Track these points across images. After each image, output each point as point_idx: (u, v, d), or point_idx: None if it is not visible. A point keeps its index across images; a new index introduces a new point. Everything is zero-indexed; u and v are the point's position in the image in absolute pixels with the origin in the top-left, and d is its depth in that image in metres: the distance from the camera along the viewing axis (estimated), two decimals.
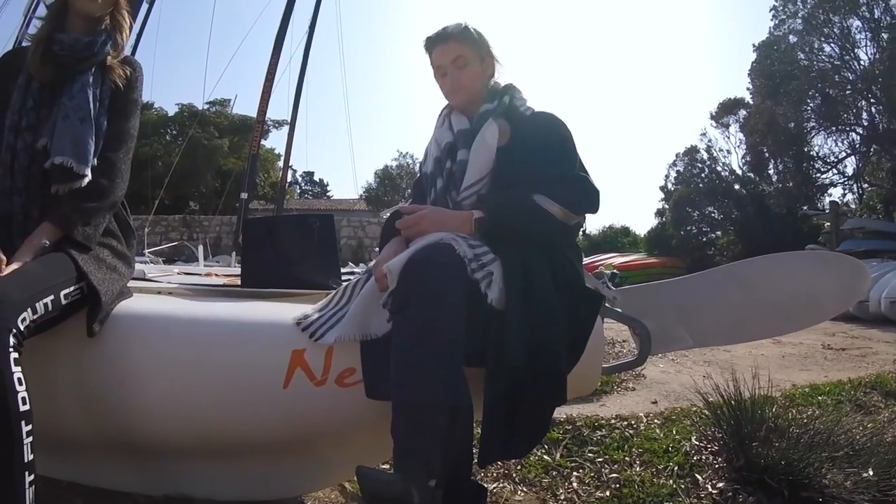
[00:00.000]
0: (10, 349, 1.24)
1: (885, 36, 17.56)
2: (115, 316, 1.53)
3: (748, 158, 22.93)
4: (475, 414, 1.39)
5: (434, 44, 1.73)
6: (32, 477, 1.24)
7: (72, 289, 1.44)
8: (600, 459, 2.34)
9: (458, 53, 1.70)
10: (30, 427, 1.24)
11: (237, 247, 9.60)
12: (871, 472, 1.98)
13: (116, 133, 1.63)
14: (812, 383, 3.75)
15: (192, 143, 19.99)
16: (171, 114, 26.91)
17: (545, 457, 2.33)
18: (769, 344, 5.59)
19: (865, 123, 19.36)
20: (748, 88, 22.28)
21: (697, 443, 2.45)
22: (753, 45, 21.47)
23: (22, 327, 1.28)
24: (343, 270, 1.89)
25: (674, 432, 2.59)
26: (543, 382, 1.40)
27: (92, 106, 1.57)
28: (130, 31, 1.77)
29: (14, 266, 1.39)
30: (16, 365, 1.24)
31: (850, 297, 2.32)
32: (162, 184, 13.36)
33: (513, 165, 1.61)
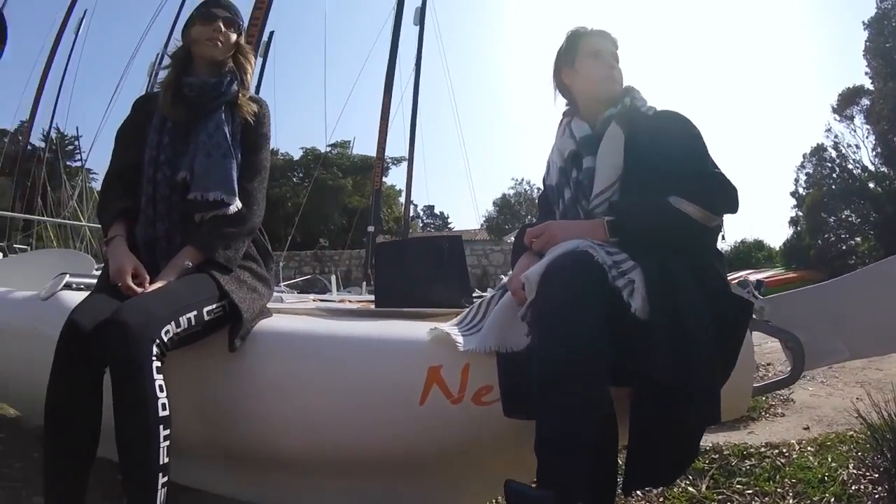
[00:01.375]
0: (154, 358, 1.35)
1: None
2: (255, 333, 1.62)
3: (879, 150, 20.67)
4: (620, 437, 1.29)
5: (590, 33, 1.73)
6: (166, 479, 1.32)
7: (214, 306, 1.55)
8: (749, 491, 2.15)
9: (614, 51, 1.71)
10: (168, 431, 1.33)
11: (367, 277, 10.04)
12: None
13: (250, 165, 1.77)
14: None
15: (318, 183, 21.61)
16: (296, 158, 29.01)
17: (689, 488, 2.17)
18: None
19: None
20: (866, 73, 20.21)
21: (856, 471, 2.20)
22: (863, 24, 19.53)
23: (165, 339, 1.39)
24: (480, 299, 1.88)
25: (829, 460, 2.34)
26: (694, 400, 1.28)
27: (229, 141, 1.72)
28: (253, 73, 1.92)
29: (159, 284, 1.53)
30: (158, 373, 1.35)
31: None
32: (293, 222, 14.30)
33: (643, 167, 1.53)
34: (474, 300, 1.91)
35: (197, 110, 1.73)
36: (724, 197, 1.51)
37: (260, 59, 15.23)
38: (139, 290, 1.51)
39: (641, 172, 1.53)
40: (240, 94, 1.78)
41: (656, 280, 1.33)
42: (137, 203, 1.69)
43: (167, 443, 1.33)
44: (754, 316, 1.70)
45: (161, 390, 1.34)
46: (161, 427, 1.32)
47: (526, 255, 1.61)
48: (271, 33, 16.73)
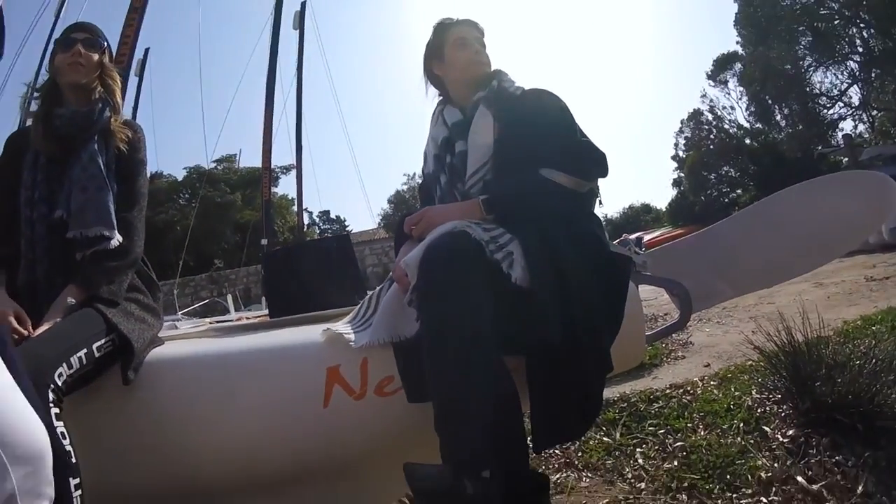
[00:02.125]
0: (51, 404, 1.26)
1: None
2: (148, 363, 1.55)
3: (752, 109, 22.57)
4: (523, 403, 1.34)
5: (454, 24, 1.77)
6: None
7: (103, 341, 1.47)
8: (662, 431, 2.27)
9: (479, 37, 1.76)
10: (77, 480, 1.25)
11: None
12: None
13: (128, 194, 1.70)
14: (863, 315, 3.64)
15: (205, 202, 20.60)
16: (180, 178, 27.60)
17: (605, 438, 2.27)
18: (812, 288, 5.47)
19: (861, 49, 18.98)
20: (737, 41, 22.03)
21: (759, 395, 2.38)
22: None
23: (59, 382, 1.31)
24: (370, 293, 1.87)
25: (732, 390, 2.52)
26: (586, 357, 1.34)
27: (104, 173, 1.64)
28: (124, 93, 1.83)
29: (45, 326, 1.44)
30: (57, 420, 1.26)
31: (880, 211, 2.21)
32: (183, 246, 13.66)
33: (513, 145, 1.58)
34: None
35: (69, 143, 1.65)
36: (592, 163, 1.59)
37: (135, 79, 14.50)
38: (24, 332, 1.42)
39: (512, 150, 1.58)
40: (112, 120, 1.70)
41: (535, 249, 1.38)
42: (17, 247, 1.60)
43: (79, 492, 1.25)
44: (638, 270, 1.79)
45: (64, 437, 1.26)
46: (71, 478, 1.24)
47: (407, 242, 1.63)
48: (146, 51, 15.88)
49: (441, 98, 1.83)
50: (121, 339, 1.51)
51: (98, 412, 1.52)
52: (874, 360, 2.08)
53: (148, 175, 1.81)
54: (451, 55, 1.74)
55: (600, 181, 1.67)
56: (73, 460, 1.26)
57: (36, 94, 1.75)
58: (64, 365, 1.34)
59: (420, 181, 1.95)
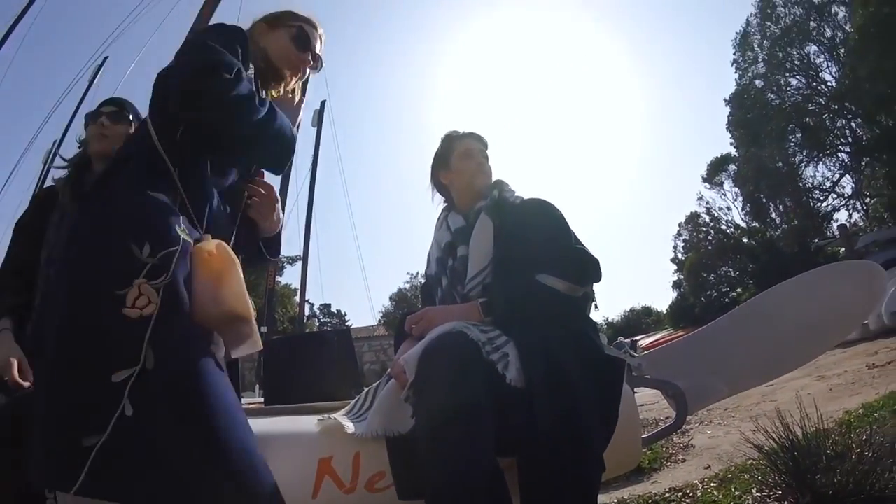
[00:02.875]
0: None
1: (842, 51, 18.14)
2: None
3: (748, 208, 23.12)
4: None
5: (461, 136, 1.92)
6: None
7: None
8: None
9: (483, 150, 1.90)
10: None
11: (260, 380, 9.53)
12: None
13: None
14: (865, 404, 3.60)
15: None
16: None
17: None
18: (814, 382, 5.39)
19: (850, 140, 19.72)
20: (731, 143, 22.96)
21: (759, 493, 2.34)
22: (725, 100, 22.29)
23: None
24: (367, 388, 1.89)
25: (733, 490, 2.47)
26: (580, 459, 1.34)
27: None
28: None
29: None
30: None
31: (870, 299, 2.28)
32: None
33: (511, 251, 1.67)
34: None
35: None
36: (586, 269, 1.67)
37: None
38: (23, 383, 1.45)
39: (511, 256, 1.67)
40: None
41: (530, 351, 1.42)
42: (32, 299, 1.65)
43: None
44: (633, 373, 1.81)
45: None
46: None
47: (407, 340, 1.68)
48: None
49: (446, 205, 1.95)
50: None
51: None
52: (875, 446, 2.06)
53: None
54: (457, 165, 1.88)
55: (596, 286, 1.73)
56: None
57: (64, 162, 1.88)
58: None
59: (422, 281, 2.02)
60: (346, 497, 1.43)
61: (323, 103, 15.17)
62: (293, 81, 1.58)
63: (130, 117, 1.90)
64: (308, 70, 1.60)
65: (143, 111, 1.88)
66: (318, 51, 1.60)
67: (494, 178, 1.89)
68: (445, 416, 1.26)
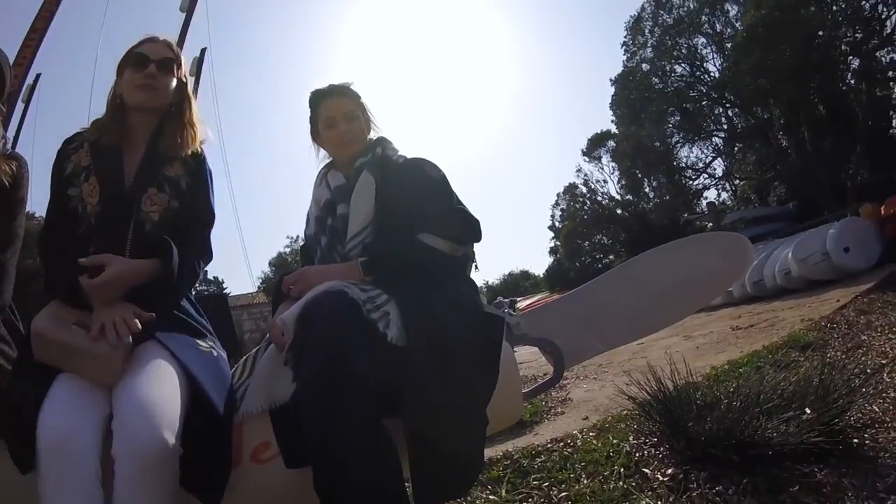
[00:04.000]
0: None
1: (729, 45, 19.53)
2: None
3: (623, 182, 24.55)
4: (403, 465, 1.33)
5: (323, 96, 1.81)
6: None
7: None
8: (546, 484, 2.31)
9: (348, 108, 1.79)
10: None
11: None
12: (808, 411, 2.09)
13: (2, 233, 1.53)
14: (730, 360, 3.95)
15: None
16: None
17: (491, 496, 2.28)
18: (681, 341, 5.88)
19: (725, 127, 21.37)
20: (612, 121, 24.16)
21: (636, 441, 2.49)
22: (611, 80, 23.39)
23: None
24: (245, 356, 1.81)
25: (611, 438, 2.62)
26: (464, 414, 1.38)
27: None
28: (6, 126, 1.70)
29: None
30: None
31: (738, 267, 2.46)
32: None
33: (393, 210, 1.66)
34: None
35: None
36: (467, 229, 1.69)
37: (21, 105, 13.41)
38: None
39: (393, 215, 1.65)
40: None
41: (411, 309, 1.44)
42: None
43: None
44: (512, 330, 1.87)
45: None
46: None
47: (285, 302, 1.63)
48: (37, 76, 14.92)
49: (329, 161, 1.88)
50: None
51: None
52: (741, 397, 2.25)
53: (25, 211, 1.63)
54: (323, 133, 1.82)
55: (477, 249, 1.77)
56: None
57: None
58: None
59: (302, 243, 1.96)
60: (233, 472, 1.38)
61: (203, 51, 14.23)
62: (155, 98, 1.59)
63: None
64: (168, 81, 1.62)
65: None
66: (165, 56, 1.60)
67: (377, 134, 1.85)
68: (326, 378, 1.25)
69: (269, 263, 31.55)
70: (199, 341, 1.52)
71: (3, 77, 1.59)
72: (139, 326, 1.36)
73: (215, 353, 1.52)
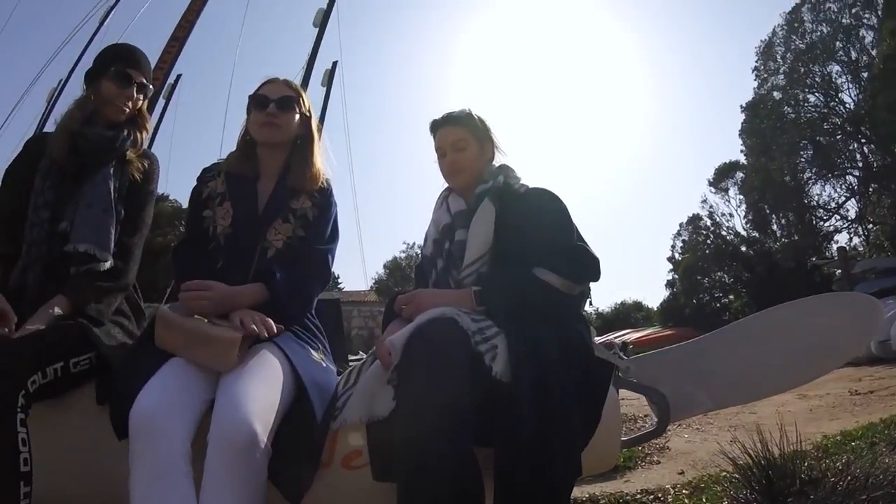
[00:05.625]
0: (19, 409, 1.27)
1: (865, 75, 18.03)
2: None
3: (750, 217, 23.15)
4: (487, 497, 1.32)
5: (437, 126, 1.83)
6: None
7: (81, 358, 1.48)
8: None
9: (458, 136, 1.78)
10: (28, 489, 1.25)
11: None
12: None
13: (132, 220, 1.76)
14: (843, 430, 3.60)
15: None
16: (185, 206, 27.49)
17: None
18: (795, 400, 5.42)
19: (860, 164, 19.69)
20: (741, 150, 22.90)
21: None
22: (741, 107, 22.19)
23: (31, 389, 1.32)
24: (353, 358, 1.87)
25: (704, 500, 2.47)
26: (556, 458, 1.33)
27: (113, 196, 1.69)
28: (151, 112, 1.93)
29: (28, 329, 1.45)
30: (21, 426, 1.27)
31: (866, 334, 2.26)
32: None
33: (511, 241, 1.63)
34: (350, 364, 1.89)
35: (87, 161, 1.70)
36: (585, 268, 1.63)
37: (162, 101, 14.83)
38: (4, 330, 1.44)
39: (510, 246, 1.63)
40: (131, 151, 1.77)
41: (519, 345, 1.40)
42: (17, 247, 1.63)
43: (27, 501, 1.25)
44: (620, 375, 1.79)
45: (24, 444, 1.27)
46: (22, 483, 1.24)
47: (396, 321, 1.66)
48: (178, 77, 16.42)
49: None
50: (99, 359, 1.51)
51: (66, 426, 1.51)
52: (850, 478, 2.03)
53: (154, 202, 1.86)
54: (438, 162, 1.83)
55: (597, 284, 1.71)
56: (28, 468, 1.26)
57: (64, 112, 1.79)
58: (39, 373, 1.36)
59: (418, 253, 1.98)
60: (322, 471, 1.44)
61: (335, 64, 14.94)
62: (275, 135, 1.72)
63: (149, 89, 1.84)
64: (140, 98, 1.79)
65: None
66: (284, 94, 1.73)
67: (501, 161, 1.83)
68: (426, 405, 1.26)
69: (384, 266, 32.72)
70: (313, 352, 1.59)
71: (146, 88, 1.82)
72: (275, 329, 1.47)
73: (325, 365, 1.59)
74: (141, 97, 1.80)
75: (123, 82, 1.75)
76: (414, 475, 1.24)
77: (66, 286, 1.60)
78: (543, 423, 1.31)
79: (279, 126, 1.71)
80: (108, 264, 1.65)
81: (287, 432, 1.35)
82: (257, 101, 1.72)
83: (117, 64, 1.76)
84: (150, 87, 1.84)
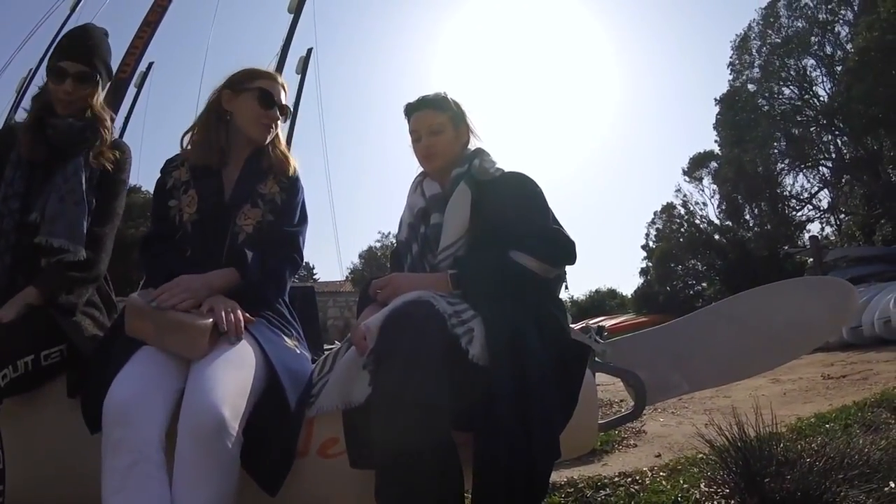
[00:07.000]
0: None
1: (839, 69, 18.33)
2: None
3: (723, 207, 23.48)
4: (466, 481, 1.33)
5: (412, 110, 1.80)
6: None
7: (52, 350, 1.46)
8: None
9: (433, 120, 1.76)
10: (1, 487, 1.25)
11: None
12: (892, 485, 1.93)
13: (104, 211, 1.72)
14: (817, 413, 3.67)
15: None
16: None
17: None
18: (768, 384, 5.52)
19: (833, 156, 20.05)
20: (716, 141, 23.20)
21: (707, 489, 2.35)
22: (715, 100, 22.44)
23: (2, 384, 1.30)
24: (328, 348, 1.86)
25: (681, 482, 2.49)
26: (535, 440, 1.33)
27: (84, 188, 1.66)
28: (113, 121, 1.88)
29: None
30: None
31: (841, 318, 2.27)
32: None
33: (487, 225, 1.63)
34: (325, 351, 1.87)
35: (58, 152, 1.68)
36: (561, 250, 1.63)
37: (134, 90, 14.62)
38: None
39: (486, 229, 1.62)
40: (102, 140, 1.74)
41: (496, 329, 1.40)
42: None
43: (0, 499, 1.24)
44: (597, 359, 1.80)
45: None
46: None
47: (371, 306, 1.64)
48: (150, 64, 16.25)
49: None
50: (70, 350, 1.50)
51: (38, 421, 1.49)
52: (825, 458, 2.08)
53: (126, 192, 1.84)
54: (412, 146, 1.81)
55: (568, 267, 1.70)
56: (1, 466, 1.25)
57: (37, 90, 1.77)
58: (10, 367, 1.34)
59: (393, 243, 1.96)
60: (299, 460, 1.42)
61: (309, 51, 14.84)
62: (269, 136, 1.71)
63: (99, 79, 1.76)
64: (86, 88, 1.71)
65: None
66: (283, 101, 1.72)
67: (476, 145, 1.81)
68: (402, 389, 1.25)
69: (359, 255, 32.60)
70: (286, 339, 1.57)
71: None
72: (243, 327, 1.44)
73: (298, 352, 1.57)
74: (87, 89, 1.72)
75: (57, 78, 1.69)
76: (392, 462, 1.23)
77: (37, 278, 1.57)
78: (522, 407, 1.31)
79: (275, 129, 1.72)
80: (80, 256, 1.63)
81: (260, 420, 1.32)
82: (263, 99, 1.69)
83: (53, 57, 1.71)
84: (101, 73, 1.76)
